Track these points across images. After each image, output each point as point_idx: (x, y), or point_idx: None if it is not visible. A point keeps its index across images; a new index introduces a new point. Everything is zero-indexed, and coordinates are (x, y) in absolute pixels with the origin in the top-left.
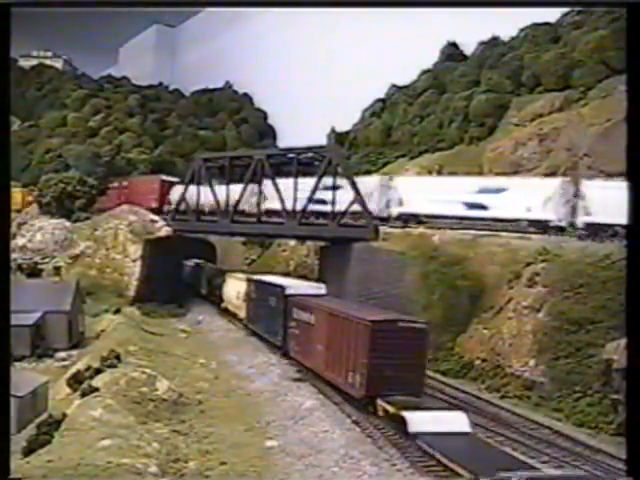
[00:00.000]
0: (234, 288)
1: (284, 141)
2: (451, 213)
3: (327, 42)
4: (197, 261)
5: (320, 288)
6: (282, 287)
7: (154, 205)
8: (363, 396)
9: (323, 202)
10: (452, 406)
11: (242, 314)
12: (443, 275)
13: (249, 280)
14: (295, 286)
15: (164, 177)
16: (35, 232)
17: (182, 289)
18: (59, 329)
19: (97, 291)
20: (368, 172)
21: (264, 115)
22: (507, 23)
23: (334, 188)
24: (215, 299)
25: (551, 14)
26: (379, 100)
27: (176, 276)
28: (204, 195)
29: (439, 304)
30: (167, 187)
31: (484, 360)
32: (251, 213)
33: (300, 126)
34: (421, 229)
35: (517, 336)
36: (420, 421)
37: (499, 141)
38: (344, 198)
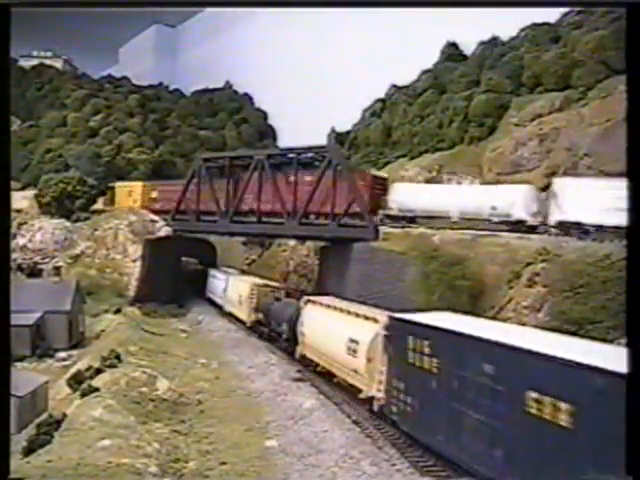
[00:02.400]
0: (340, 332)
1: (284, 141)
2: None
3: (327, 42)
4: (230, 271)
5: None
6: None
7: (358, 209)
8: None
9: None
10: None
11: (367, 388)
12: (443, 275)
13: (413, 327)
14: None
15: (375, 172)
16: (35, 232)
17: (182, 289)
18: (59, 329)
19: (97, 291)
20: None
21: (264, 115)
22: (507, 23)
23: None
24: (273, 334)
25: (551, 14)
26: (379, 100)
27: (176, 276)
28: (431, 196)
29: (439, 304)
30: (379, 185)
31: None
32: (532, 225)
33: (300, 126)
34: (421, 229)
35: None
36: None
37: (499, 141)
38: None
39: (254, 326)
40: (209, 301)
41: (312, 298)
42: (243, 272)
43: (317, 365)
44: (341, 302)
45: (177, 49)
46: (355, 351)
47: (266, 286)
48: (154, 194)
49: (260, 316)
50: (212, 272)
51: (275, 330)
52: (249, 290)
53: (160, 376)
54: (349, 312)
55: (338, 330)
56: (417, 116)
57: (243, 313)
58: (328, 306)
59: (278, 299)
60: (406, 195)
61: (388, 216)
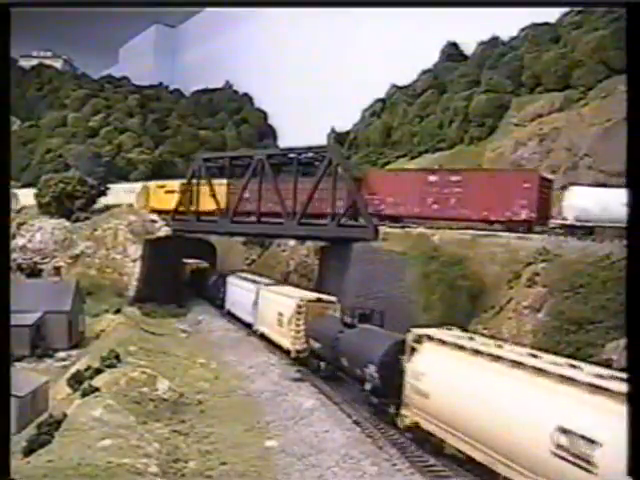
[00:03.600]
0: (531, 409)
1: (284, 141)
2: None
3: (328, 42)
4: (259, 279)
5: None
6: None
7: (525, 216)
8: None
9: None
10: None
11: None
12: (443, 275)
13: None
14: None
15: (543, 173)
16: (35, 232)
17: (182, 289)
18: (59, 329)
19: (97, 291)
20: None
21: (264, 115)
22: (507, 23)
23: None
24: (344, 376)
25: (551, 14)
26: (379, 100)
27: (176, 276)
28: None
29: (439, 304)
30: (546, 188)
31: None
32: None
33: (300, 126)
34: (421, 229)
35: (517, 336)
36: None
37: (499, 141)
38: None
39: (302, 357)
40: (229, 314)
41: (435, 334)
42: (285, 282)
43: (442, 441)
44: (505, 349)
45: (177, 49)
46: (587, 460)
47: (319, 301)
48: (245, 194)
49: (316, 346)
50: (233, 280)
51: (351, 374)
52: (295, 307)
53: (160, 376)
54: (542, 371)
55: (523, 405)
56: (417, 116)
57: (285, 339)
58: (478, 352)
59: (350, 325)
60: (589, 201)
61: (563, 226)
